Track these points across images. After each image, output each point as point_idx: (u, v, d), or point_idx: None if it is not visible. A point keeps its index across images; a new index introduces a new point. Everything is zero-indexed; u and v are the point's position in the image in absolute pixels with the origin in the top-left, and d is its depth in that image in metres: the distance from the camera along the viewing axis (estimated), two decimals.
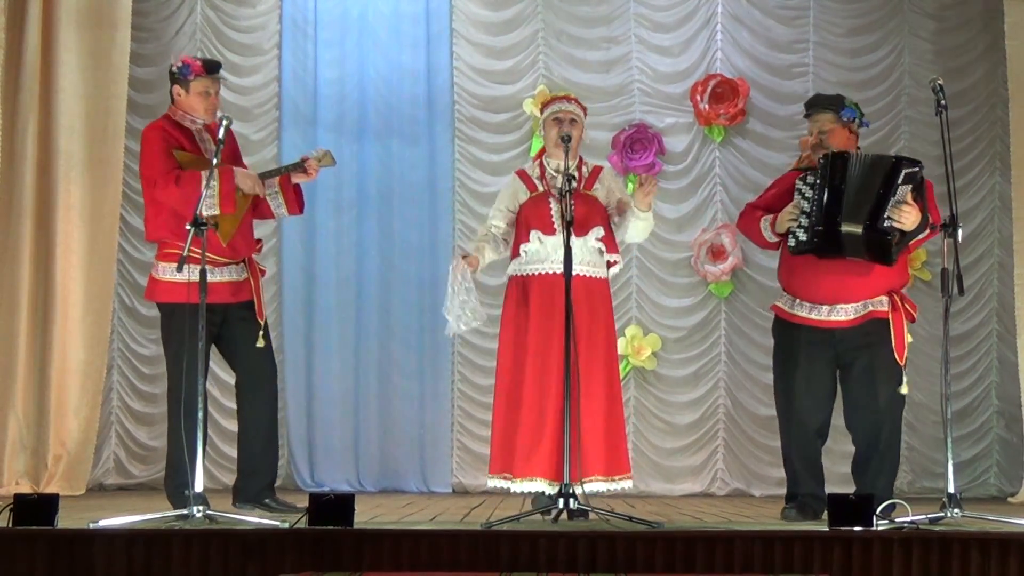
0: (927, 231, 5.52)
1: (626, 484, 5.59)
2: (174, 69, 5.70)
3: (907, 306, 5.66)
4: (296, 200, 5.83)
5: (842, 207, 5.44)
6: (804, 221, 5.53)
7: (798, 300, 5.69)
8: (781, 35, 8.78)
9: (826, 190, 5.48)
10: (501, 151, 8.72)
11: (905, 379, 5.57)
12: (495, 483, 5.60)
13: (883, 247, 5.46)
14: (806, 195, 5.56)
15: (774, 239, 5.74)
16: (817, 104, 5.82)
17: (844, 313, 5.60)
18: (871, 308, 5.59)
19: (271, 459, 5.65)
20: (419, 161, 8.73)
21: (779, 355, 5.84)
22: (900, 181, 5.40)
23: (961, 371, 8.44)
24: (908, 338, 5.62)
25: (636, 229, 5.72)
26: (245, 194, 5.57)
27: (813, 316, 5.64)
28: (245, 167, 5.84)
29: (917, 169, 5.44)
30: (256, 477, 5.56)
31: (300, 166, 5.73)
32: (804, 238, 5.53)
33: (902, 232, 5.42)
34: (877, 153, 5.69)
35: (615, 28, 8.80)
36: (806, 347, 5.65)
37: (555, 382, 5.44)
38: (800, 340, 5.67)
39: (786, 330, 5.76)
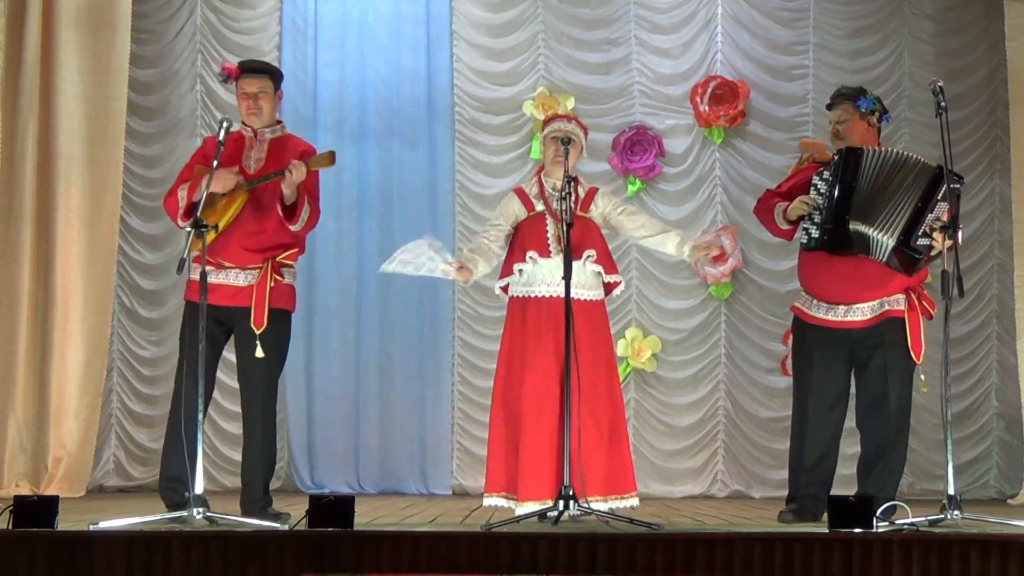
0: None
1: (631, 503, 5.52)
2: (217, 76, 5.72)
3: (924, 303, 5.64)
4: (287, 210, 5.47)
5: (852, 205, 5.44)
6: (816, 217, 5.54)
7: (815, 301, 5.69)
8: (781, 37, 8.78)
9: (837, 187, 5.47)
10: (501, 153, 8.72)
11: (923, 376, 5.56)
12: (494, 501, 5.56)
13: (911, 262, 5.45)
14: (821, 191, 5.56)
15: (786, 226, 5.73)
16: (839, 95, 5.82)
17: (860, 313, 5.59)
18: (887, 307, 5.58)
19: (263, 474, 5.57)
20: (419, 163, 8.73)
21: (798, 358, 5.84)
22: (940, 197, 5.38)
23: (961, 373, 8.43)
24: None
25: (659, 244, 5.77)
26: (229, 200, 5.47)
27: (830, 317, 5.63)
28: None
29: (959, 187, 5.39)
30: (248, 489, 5.53)
31: (282, 171, 5.41)
32: (816, 234, 5.54)
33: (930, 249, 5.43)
34: (912, 156, 5.57)
35: (615, 30, 8.80)
36: (821, 348, 5.65)
37: (552, 404, 5.45)
38: (816, 341, 5.66)
39: (803, 331, 5.76)
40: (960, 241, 5.12)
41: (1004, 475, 8.48)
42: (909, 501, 5.56)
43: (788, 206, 5.64)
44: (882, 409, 5.57)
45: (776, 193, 5.86)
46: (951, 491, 4.95)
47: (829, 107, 5.85)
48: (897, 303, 5.59)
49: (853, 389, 5.80)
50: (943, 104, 5.20)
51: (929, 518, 4.88)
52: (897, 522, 4.76)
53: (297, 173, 5.33)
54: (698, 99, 8.63)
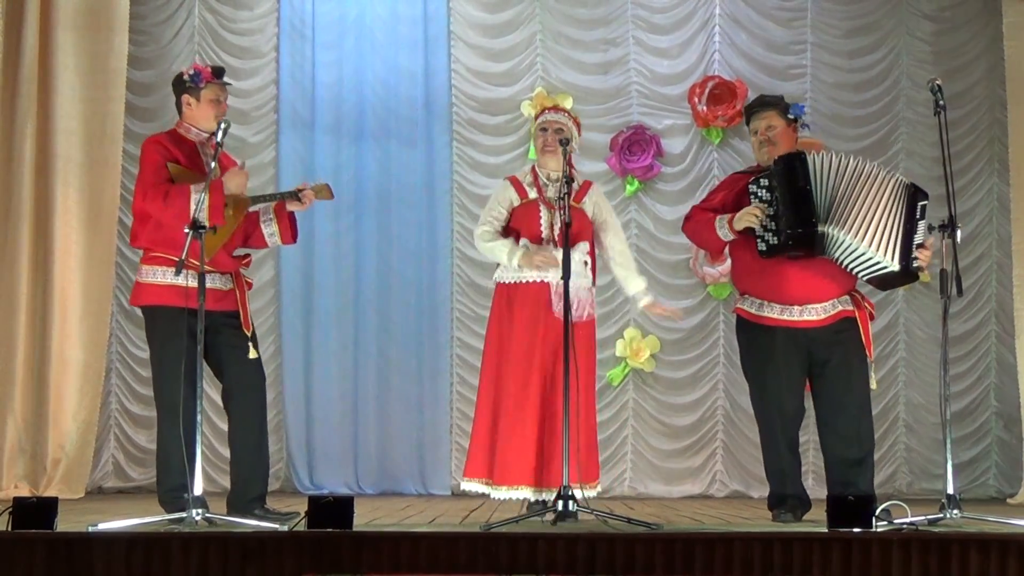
0: None
1: (591, 493, 5.56)
2: (185, 77, 5.50)
3: (867, 303, 5.71)
4: (290, 229, 5.68)
5: (815, 208, 5.43)
6: (771, 224, 5.50)
7: (766, 302, 5.66)
8: (779, 37, 8.79)
9: (791, 192, 5.44)
10: (499, 153, 8.72)
11: (872, 374, 5.67)
12: (472, 487, 5.58)
13: (897, 281, 5.61)
14: (763, 198, 5.52)
15: (730, 237, 5.64)
16: (763, 103, 5.82)
17: (815, 313, 5.60)
18: (840, 307, 5.62)
19: (260, 470, 5.54)
20: (417, 164, 8.73)
21: (752, 359, 5.78)
22: (918, 217, 5.43)
23: (960, 372, 8.45)
24: None
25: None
26: (235, 210, 5.47)
27: (785, 317, 5.61)
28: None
29: (927, 202, 5.48)
30: (245, 488, 5.49)
31: (295, 194, 5.57)
32: (776, 241, 5.50)
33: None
34: (871, 165, 5.56)
35: (613, 30, 8.81)
36: (780, 348, 5.63)
37: (537, 392, 5.46)
38: (773, 341, 5.64)
39: (756, 333, 5.71)
40: (958, 240, 5.13)
41: (1003, 474, 8.49)
42: (908, 500, 5.56)
43: (732, 217, 5.59)
44: (849, 405, 5.60)
45: (707, 209, 5.80)
46: (950, 490, 4.96)
47: (751, 113, 5.80)
48: (847, 303, 5.64)
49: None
50: (941, 102, 5.20)
51: (928, 517, 4.88)
52: (896, 521, 4.76)
53: (309, 204, 5.61)
54: (696, 99, 8.64)
